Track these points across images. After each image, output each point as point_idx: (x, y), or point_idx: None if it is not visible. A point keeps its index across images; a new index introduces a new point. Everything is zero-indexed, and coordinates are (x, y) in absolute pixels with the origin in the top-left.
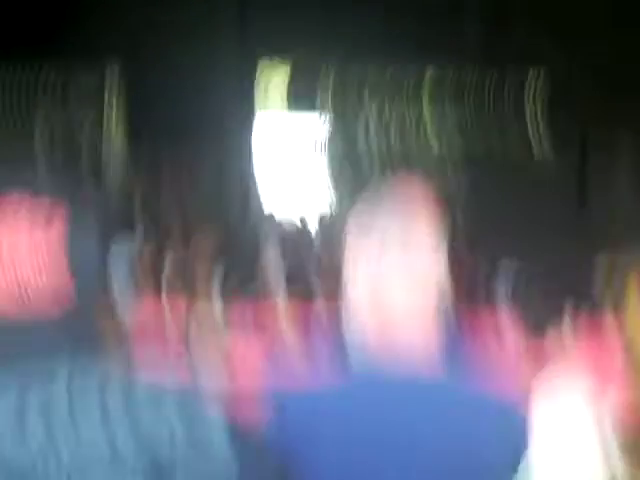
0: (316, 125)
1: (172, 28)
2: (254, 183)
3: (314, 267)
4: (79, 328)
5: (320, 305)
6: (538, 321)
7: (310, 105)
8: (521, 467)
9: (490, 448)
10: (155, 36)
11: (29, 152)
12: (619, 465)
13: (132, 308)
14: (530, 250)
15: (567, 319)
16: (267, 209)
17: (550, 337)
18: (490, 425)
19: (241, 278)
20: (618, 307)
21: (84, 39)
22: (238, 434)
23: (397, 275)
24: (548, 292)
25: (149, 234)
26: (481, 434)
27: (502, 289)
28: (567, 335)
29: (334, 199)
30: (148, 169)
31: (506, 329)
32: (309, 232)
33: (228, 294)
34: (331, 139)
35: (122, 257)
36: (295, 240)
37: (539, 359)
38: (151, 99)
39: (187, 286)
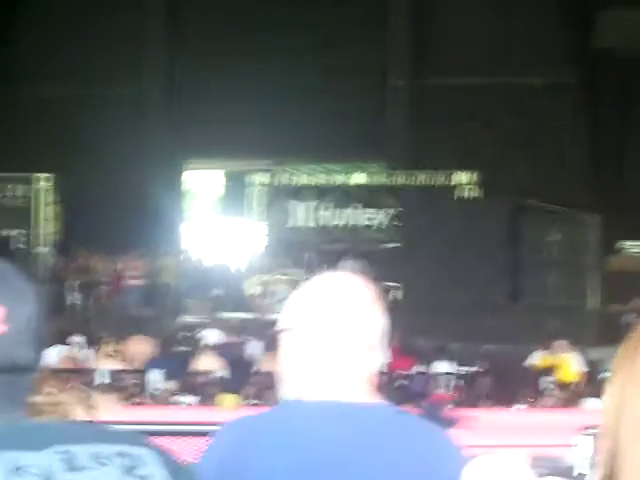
0: (246, 230)
1: (101, 139)
2: (185, 289)
3: (248, 371)
4: None
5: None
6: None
7: (239, 211)
8: None
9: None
10: (84, 146)
11: None
12: None
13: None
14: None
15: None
16: (198, 316)
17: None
18: (426, 448)
19: (178, 383)
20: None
21: (15, 153)
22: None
23: (331, 371)
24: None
25: (83, 343)
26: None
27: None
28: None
29: (266, 302)
30: (80, 278)
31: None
32: (242, 335)
33: (164, 400)
34: (267, 243)
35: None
36: (228, 344)
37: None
38: (81, 211)
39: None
